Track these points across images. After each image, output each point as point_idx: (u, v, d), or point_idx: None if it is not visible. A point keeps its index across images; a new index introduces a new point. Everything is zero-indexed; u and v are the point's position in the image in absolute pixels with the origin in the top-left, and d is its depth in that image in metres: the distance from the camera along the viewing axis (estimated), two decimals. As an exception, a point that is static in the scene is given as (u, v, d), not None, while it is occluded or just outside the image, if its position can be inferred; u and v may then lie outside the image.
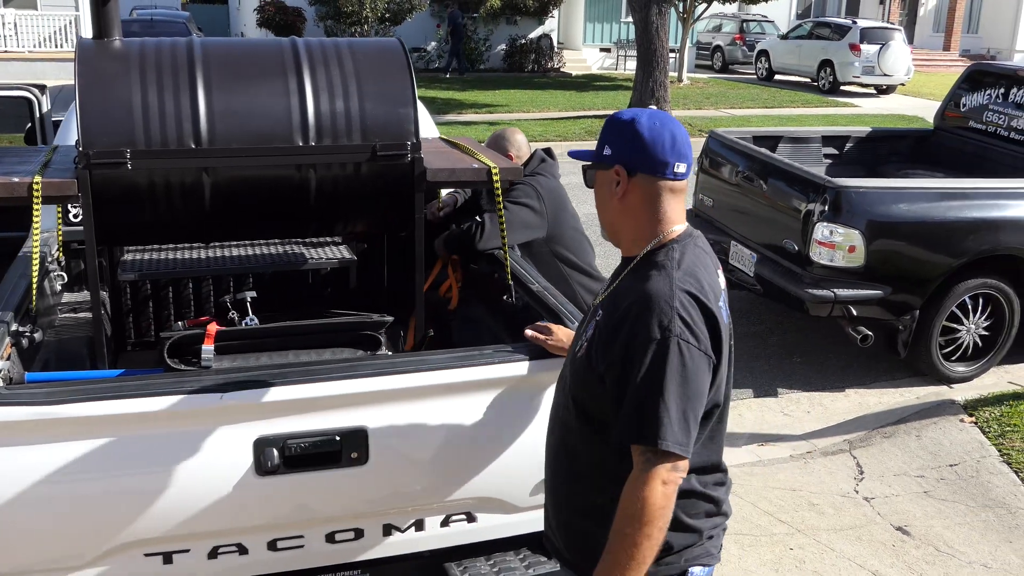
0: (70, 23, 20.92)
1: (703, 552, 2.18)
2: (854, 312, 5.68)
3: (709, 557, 2.20)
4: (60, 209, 3.79)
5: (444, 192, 4.18)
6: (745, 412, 5.73)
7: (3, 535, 2.34)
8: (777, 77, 25.65)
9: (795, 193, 5.98)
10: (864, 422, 5.63)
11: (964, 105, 7.63)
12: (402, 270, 4.05)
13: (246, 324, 3.23)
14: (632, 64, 21.91)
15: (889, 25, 25.41)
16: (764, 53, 26.03)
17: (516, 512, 2.81)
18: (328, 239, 4.13)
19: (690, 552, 2.16)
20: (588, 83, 23.48)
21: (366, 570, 2.78)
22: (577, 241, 4.13)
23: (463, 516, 2.79)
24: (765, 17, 28.68)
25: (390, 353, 2.97)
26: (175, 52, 2.97)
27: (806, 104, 20.74)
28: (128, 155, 2.78)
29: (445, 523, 2.78)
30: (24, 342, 2.88)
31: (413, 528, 2.74)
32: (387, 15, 22.36)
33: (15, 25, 20.49)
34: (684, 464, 1.96)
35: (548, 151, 4.21)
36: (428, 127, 4.55)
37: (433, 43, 25.34)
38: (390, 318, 3.04)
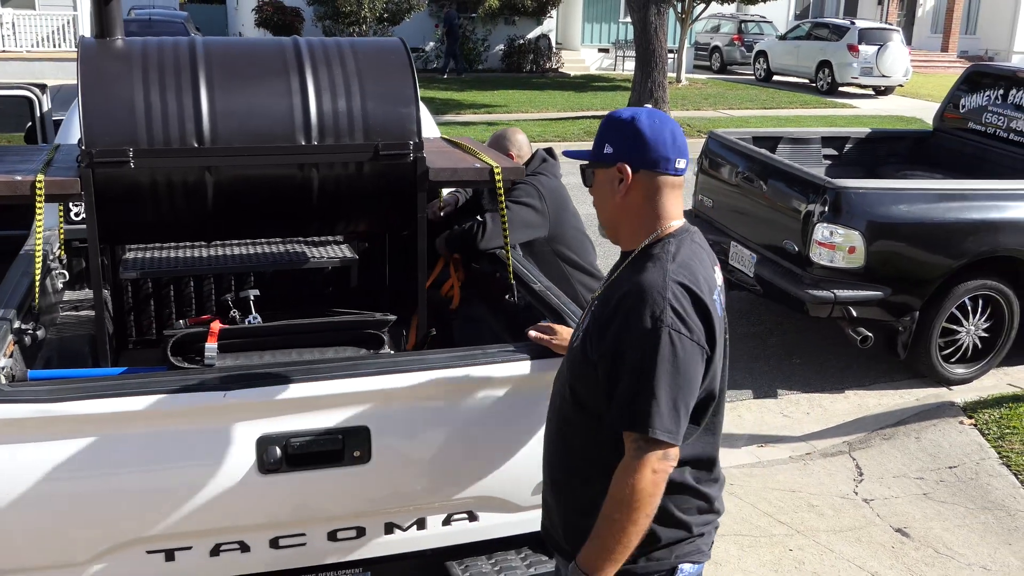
0: (68, 23, 20.92)
1: (694, 549, 2.20)
2: (854, 313, 5.69)
3: (699, 554, 2.22)
4: (62, 207, 3.79)
5: (445, 191, 4.18)
6: (744, 413, 5.74)
7: (6, 532, 2.34)
8: (775, 78, 25.67)
9: (795, 194, 5.99)
10: (863, 423, 5.63)
11: (963, 106, 7.64)
12: (403, 269, 4.05)
13: (249, 322, 3.23)
14: (630, 64, 21.95)
15: (887, 26, 25.44)
16: (762, 54, 26.06)
17: (518, 511, 2.81)
18: (330, 238, 4.13)
19: (680, 548, 2.17)
20: (586, 83, 23.49)
21: (367, 568, 2.78)
22: (579, 240, 4.13)
23: (465, 515, 2.79)
24: (763, 18, 28.71)
25: (393, 352, 2.98)
26: (177, 51, 2.98)
27: (804, 105, 20.77)
28: (131, 154, 2.79)
29: (447, 522, 2.78)
30: (27, 340, 2.88)
31: (415, 527, 2.74)
32: (385, 15, 22.37)
33: (13, 25, 20.49)
34: (675, 452, 2.00)
35: (549, 151, 4.21)
36: (429, 127, 4.55)
37: (431, 43, 25.35)
38: (393, 317, 3.04)
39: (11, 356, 2.67)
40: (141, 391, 2.39)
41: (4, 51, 20.16)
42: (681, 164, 2.12)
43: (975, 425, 5.47)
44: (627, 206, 2.13)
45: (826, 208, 5.66)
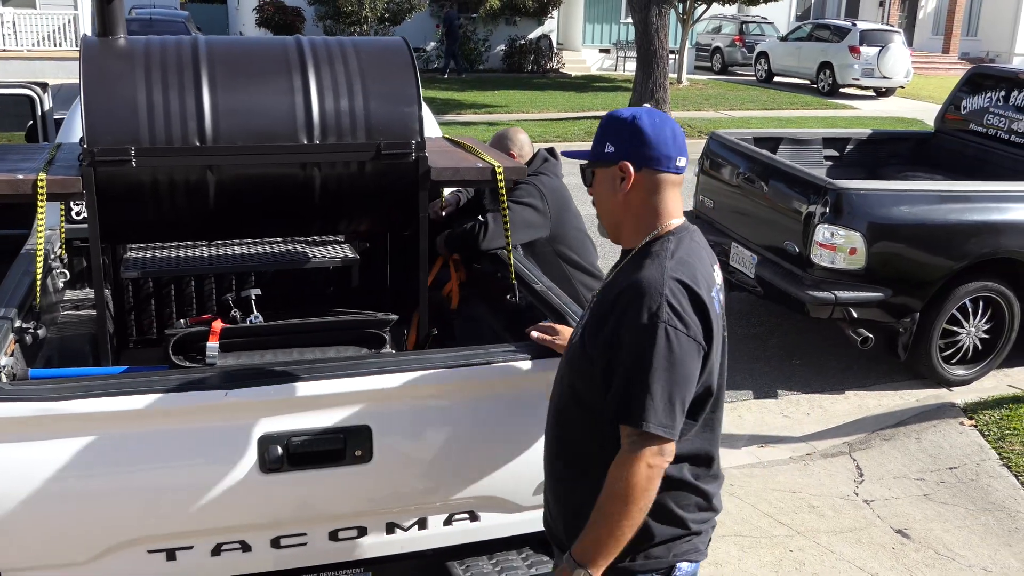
0: (69, 22, 20.93)
1: (691, 548, 2.20)
2: (854, 314, 5.69)
3: (697, 553, 2.23)
4: (63, 207, 3.79)
5: (447, 191, 4.18)
6: (745, 413, 5.74)
7: (6, 531, 2.34)
8: (776, 79, 25.67)
9: (796, 195, 5.99)
10: (864, 424, 5.63)
11: (965, 108, 7.64)
12: (404, 269, 4.05)
13: (251, 322, 3.23)
14: (631, 65, 21.95)
15: (888, 27, 25.45)
16: (763, 55, 26.06)
17: (519, 511, 2.81)
18: (331, 238, 4.13)
19: (678, 547, 2.18)
20: (587, 84, 23.50)
21: (368, 568, 2.78)
22: (580, 241, 4.13)
23: (466, 515, 2.79)
24: (765, 19, 28.71)
25: (394, 351, 2.97)
26: (180, 50, 2.97)
27: (805, 106, 20.77)
28: (133, 153, 2.78)
29: (448, 522, 2.78)
30: (28, 339, 2.87)
31: (416, 527, 2.74)
32: (386, 15, 22.37)
33: (14, 24, 20.50)
34: (670, 448, 2.01)
35: (551, 151, 4.21)
36: (431, 126, 4.55)
37: (432, 43, 25.35)
38: (395, 316, 3.04)
39: (12, 355, 2.67)
40: (143, 390, 2.39)
41: (4, 50, 20.16)
42: (682, 162, 2.15)
43: (975, 426, 5.47)
44: (628, 204, 2.15)
45: (827, 209, 5.66)
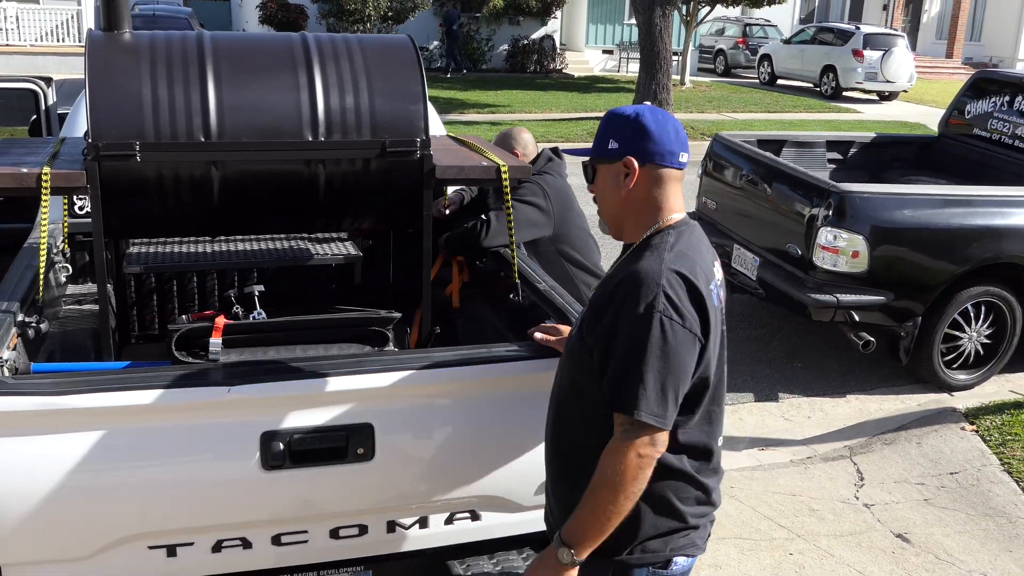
0: (72, 17, 20.92)
1: (689, 543, 2.21)
2: (856, 318, 5.68)
3: (694, 548, 2.23)
4: (66, 201, 3.79)
5: (451, 189, 4.18)
6: (746, 416, 5.73)
7: (7, 526, 2.33)
8: (779, 82, 25.65)
9: (799, 197, 5.98)
10: (865, 428, 5.63)
11: (969, 112, 7.63)
12: (407, 267, 4.04)
13: (253, 318, 3.22)
14: (634, 66, 21.94)
15: (892, 31, 25.42)
16: (767, 57, 26.04)
17: (520, 511, 2.80)
18: (334, 235, 4.12)
19: (675, 540, 2.19)
20: (590, 85, 23.49)
21: (369, 567, 2.77)
22: (583, 240, 4.13)
23: (467, 514, 2.78)
24: (768, 21, 28.70)
25: (397, 349, 2.97)
26: (185, 45, 2.96)
27: (808, 109, 20.75)
28: (137, 147, 2.77)
29: (449, 521, 2.77)
30: (30, 333, 2.87)
31: (417, 525, 2.74)
32: (390, 13, 22.36)
33: (17, 19, 20.49)
34: (662, 438, 2.03)
35: (555, 150, 4.20)
36: (435, 125, 4.54)
37: (435, 42, 25.33)
38: (398, 314, 3.04)
39: (15, 349, 2.66)
40: (145, 385, 2.39)
41: (7, 45, 20.16)
42: (684, 158, 2.19)
43: (976, 431, 5.46)
44: (631, 200, 2.18)
45: (830, 212, 5.66)
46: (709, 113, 19.12)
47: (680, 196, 2.22)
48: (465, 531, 2.80)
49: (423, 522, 2.74)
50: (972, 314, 5.99)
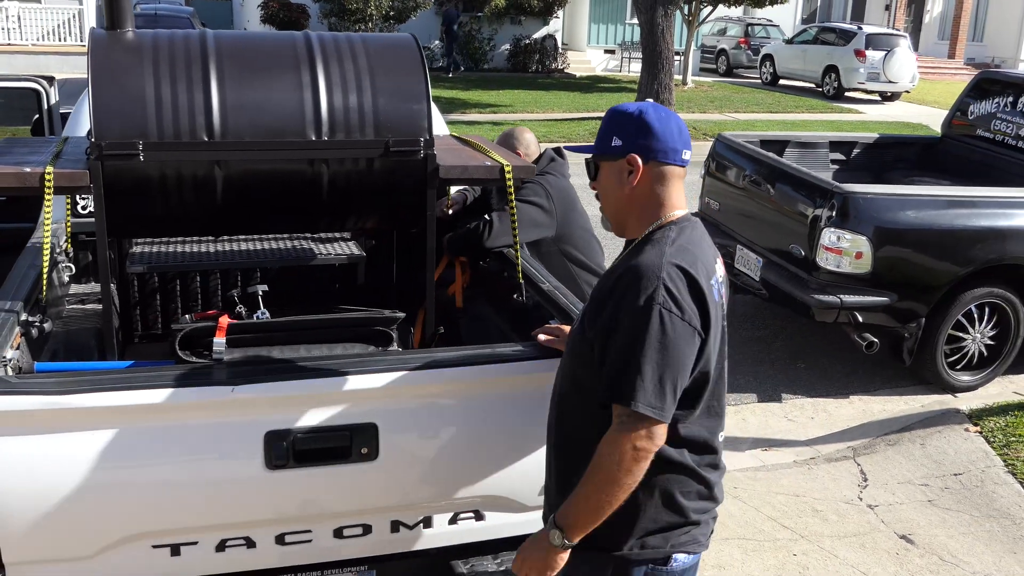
0: (74, 16, 20.93)
1: (690, 539, 2.21)
2: (860, 319, 5.67)
3: (696, 544, 2.23)
4: (69, 200, 3.78)
5: (454, 189, 4.17)
6: (749, 417, 5.72)
7: (10, 525, 2.33)
8: (781, 82, 25.63)
9: (802, 198, 5.97)
10: (868, 429, 5.62)
11: (972, 113, 7.62)
12: (410, 267, 4.04)
13: (257, 318, 3.21)
14: (636, 66, 21.92)
15: (894, 32, 25.41)
16: (769, 57, 26.02)
17: (524, 511, 2.79)
18: (337, 235, 4.12)
19: (676, 537, 2.19)
20: (592, 84, 23.48)
21: (373, 566, 2.77)
22: (586, 241, 4.12)
23: (471, 514, 2.78)
24: (770, 21, 28.68)
25: (401, 349, 2.96)
26: (188, 44, 2.96)
27: (810, 109, 20.74)
28: (140, 147, 2.77)
29: (453, 521, 2.77)
30: (33, 332, 2.86)
31: (421, 525, 2.73)
32: (391, 13, 22.34)
33: (19, 18, 20.49)
34: (660, 431, 2.04)
35: (558, 150, 4.20)
36: (438, 124, 4.53)
37: (437, 42, 25.32)
38: (402, 314, 3.03)
39: (18, 348, 2.66)
40: (149, 385, 2.38)
41: (9, 44, 20.17)
42: (687, 155, 2.20)
43: (980, 433, 5.45)
44: (634, 197, 2.19)
45: (834, 213, 5.65)
46: (711, 113, 19.10)
47: (682, 193, 2.23)
48: (469, 531, 2.80)
49: (427, 522, 2.74)
50: (976, 315, 5.98)
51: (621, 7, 27.72)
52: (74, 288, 3.77)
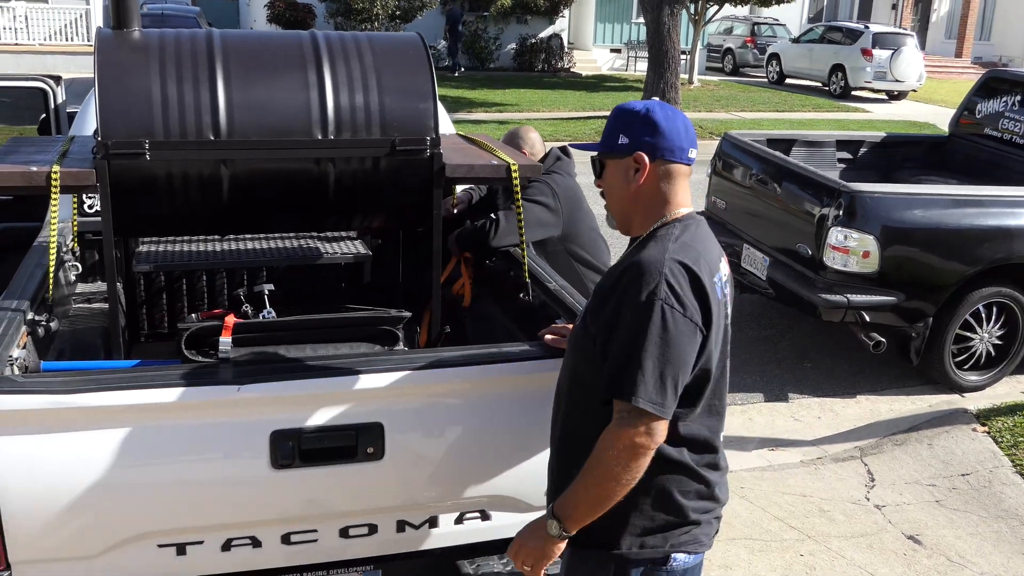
0: (81, 16, 20.96)
1: (690, 539, 2.20)
2: (867, 318, 5.65)
3: (697, 544, 2.22)
4: (75, 200, 3.79)
5: (459, 188, 4.16)
6: (755, 416, 5.71)
7: (17, 524, 2.33)
8: (788, 81, 25.59)
9: (809, 197, 5.96)
10: (875, 429, 5.60)
11: (979, 112, 7.59)
12: (416, 266, 4.03)
13: (263, 317, 3.21)
14: (642, 65, 21.92)
15: (901, 31, 25.34)
16: (775, 56, 25.98)
17: (531, 511, 2.77)
18: (343, 234, 4.12)
19: (675, 536, 2.18)
20: (598, 84, 23.46)
21: (379, 566, 2.76)
22: (592, 240, 4.11)
23: (477, 514, 2.77)
24: (776, 20, 28.62)
25: (407, 349, 2.96)
26: (194, 43, 2.96)
27: (817, 108, 20.70)
28: (147, 146, 2.77)
29: (459, 521, 2.76)
30: (40, 331, 2.87)
31: (427, 525, 2.73)
32: (397, 12, 22.37)
33: (26, 18, 20.53)
34: (660, 427, 2.03)
35: (564, 149, 4.19)
36: (445, 123, 4.53)
37: (442, 41, 25.33)
38: (408, 313, 3.02)
39: (24, 347, 2.66)
40: (155, 384, 2.38)
41: (16, 44, 20.21)
42: (693, 154, 2.20)
43: (988, 433, 5.43)
44: (640, 195, 2.19)
45: (841, 212, 5.63)
46: (717, 112, 19.08)
47: (688, 191, 2.23)
48: (475, 531, 2.79)
49: (433, 522, 2.73)
50: (983, 315, 5.96)
51: (627, 6, 27.70)
52: (80, 287, 3.78)
